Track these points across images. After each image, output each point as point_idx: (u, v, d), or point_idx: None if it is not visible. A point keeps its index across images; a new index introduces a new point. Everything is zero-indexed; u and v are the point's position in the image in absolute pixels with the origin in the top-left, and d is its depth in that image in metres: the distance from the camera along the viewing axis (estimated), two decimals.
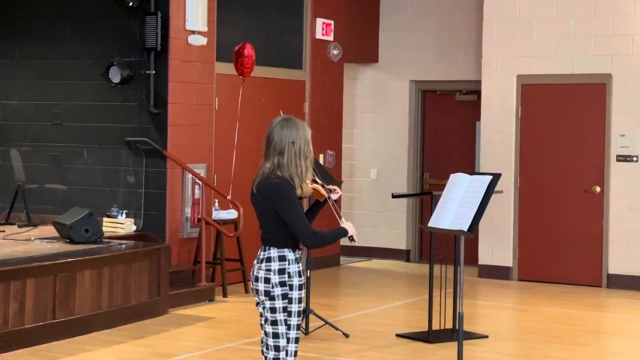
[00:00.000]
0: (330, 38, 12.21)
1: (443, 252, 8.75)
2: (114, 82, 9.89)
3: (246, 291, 10.27)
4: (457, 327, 6.25)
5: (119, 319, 8.53)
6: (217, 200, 10.29)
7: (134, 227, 9.86)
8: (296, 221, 4.85)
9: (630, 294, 10.78)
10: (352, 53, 12.73)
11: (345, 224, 5.03)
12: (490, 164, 11.53)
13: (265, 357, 4.95)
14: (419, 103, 13.11)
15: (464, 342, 7.49)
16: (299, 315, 4.96)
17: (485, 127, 11.78)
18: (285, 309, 4.89)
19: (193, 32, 10.04)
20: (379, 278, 11.78)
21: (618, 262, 11.10)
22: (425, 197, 11.78)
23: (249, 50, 9.95)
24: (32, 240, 9.09)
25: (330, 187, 5.14)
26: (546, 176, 11.47)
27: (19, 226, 9.89)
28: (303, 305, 4.99)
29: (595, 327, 9.25)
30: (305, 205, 5.13)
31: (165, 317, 8.97)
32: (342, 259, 12.81)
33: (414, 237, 13.12)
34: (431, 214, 6.70)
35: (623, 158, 11.09)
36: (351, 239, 5.05)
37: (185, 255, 10.06)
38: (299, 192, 4.90)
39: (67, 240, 8.98)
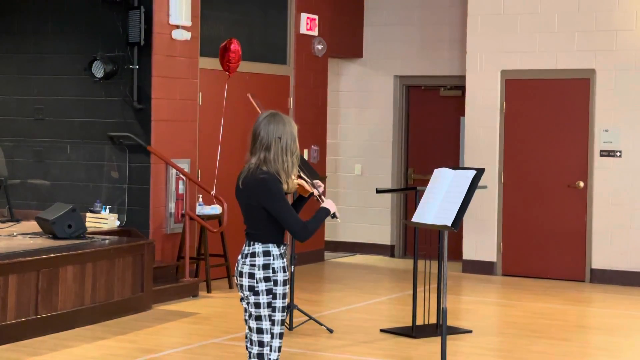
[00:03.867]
0: (315, 33, 12.19)
1: (427, 248, 8.75)
2: (97, 77, 9.85)
3: (230, 287, 10.25)
4: (441, 322, 6.25)
5: (102, 314, 8.50)
6: (201, 196, 10.27)
7: (118, 223, 9.83)
8: (286, 216, 4.84)
9: (614, 288, 10.82)
10: (337, 48, 12.72)
11: (325, 202, 5.02)
12: (475, 160, 11.54)
13: (250, 353, 4.94)
14: (403, 98, 13.10)
15: (448, 337, 7.50)
16: (283, 311, 4.95)
17: (469, 123, 11.79)
18: (269, 305, 4.88)
19: (177, 27, 10.00)
20: (363, 273, 11.78)
21: (601, 257, 11.13)
22: (409, 192, 11.76)
23: (235, 46, 9.92)
24: (15, 236, 9.04)
25: (315, 182, 5.14)
26: (530, 171, 11.49)
27: (2, 222, 9.84)
28: (287, 300, 4.98)
29: (579, 322, 9.28)
30: (290, 201, 5.12)
31: (149, 312, 8.95)
32: (327, 254, 12.80)
33: (398, 232, 13.13)
34: (415, 209, 6.69)
35: (607, 153, 11.13)
36: (333, 216, 5.02)
37: (169, 251, 10.03)
38: (284, 187, 4.89)
39: (50, 236, 8.94)
